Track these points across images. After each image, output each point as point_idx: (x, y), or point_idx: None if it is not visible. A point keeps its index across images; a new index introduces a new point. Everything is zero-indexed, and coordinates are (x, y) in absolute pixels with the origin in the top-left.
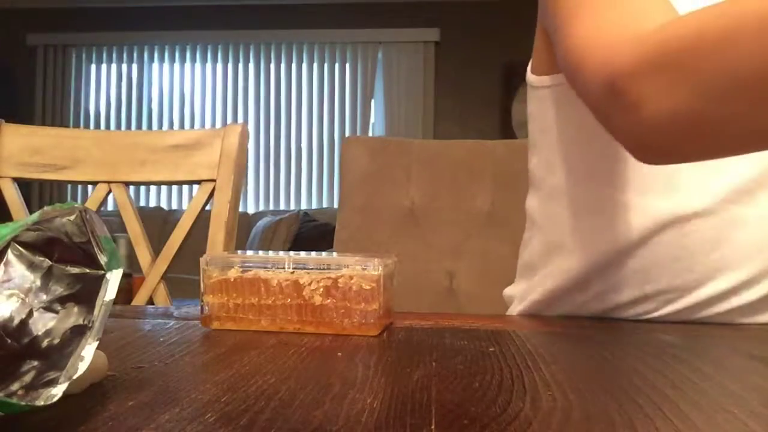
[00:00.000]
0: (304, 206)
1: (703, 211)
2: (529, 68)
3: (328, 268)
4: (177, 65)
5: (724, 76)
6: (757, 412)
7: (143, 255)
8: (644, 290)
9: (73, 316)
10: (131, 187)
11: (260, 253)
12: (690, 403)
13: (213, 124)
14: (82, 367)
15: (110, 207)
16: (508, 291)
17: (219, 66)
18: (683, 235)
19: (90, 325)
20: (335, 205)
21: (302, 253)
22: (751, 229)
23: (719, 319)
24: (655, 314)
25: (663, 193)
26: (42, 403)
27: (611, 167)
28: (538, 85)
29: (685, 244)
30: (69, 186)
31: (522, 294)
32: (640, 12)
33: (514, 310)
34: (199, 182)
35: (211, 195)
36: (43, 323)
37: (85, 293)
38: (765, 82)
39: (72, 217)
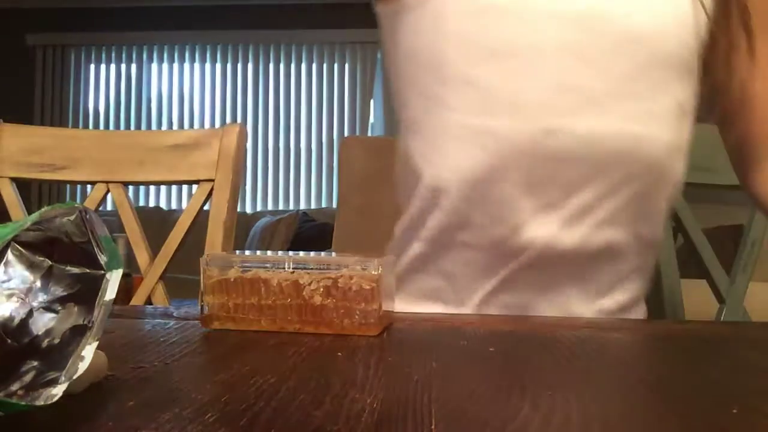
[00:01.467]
0: (303, 206)
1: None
2: None
3: (328, 268)
4: (176, 65)
5: None
6: (760, 411)
7: (142, 255)
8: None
9: (73, 316)
10: (130, 187)
11: (260, 253)
12: (690, 403)
13: (212, 124)
14: (82, 367)
15: (109, 207)
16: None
17: (218, 66)
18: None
19: (90, 325)
20: (334, 205)
21: (302, 253)
22: (608, 142)
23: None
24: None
25: (510, 114)
26: (42, 403)
27: (458, 93)
28: (381, 15)
29: (543, 164)
30: (68, 186)
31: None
32: None
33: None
34: (197, 182)
35: (210, 195)
36: (43, 323)
37: (85, 293)
38: None
39: (72, 217)
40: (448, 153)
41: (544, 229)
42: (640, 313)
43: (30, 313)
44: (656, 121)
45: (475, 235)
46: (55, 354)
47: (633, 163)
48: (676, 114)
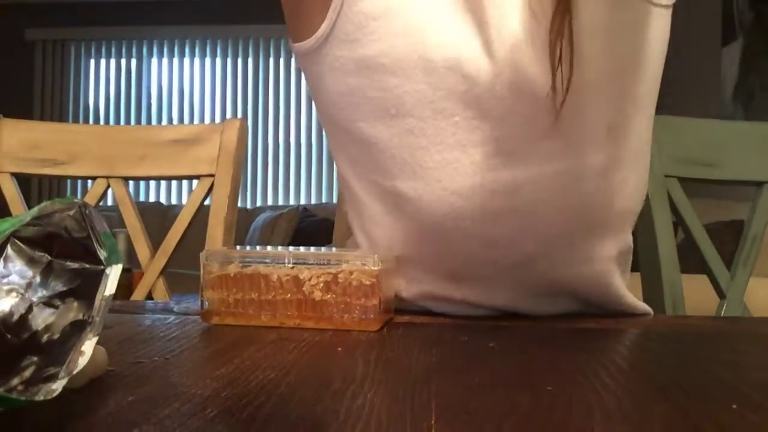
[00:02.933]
0: (303, 201)
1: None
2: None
3: (328, 264)
4: (176, 60)
5: None
6: (760, 406)
7: (142, 250)
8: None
9: (73, 311)
10: (130, 182)
11: (260, 248)
12: (690, 399)
13: (212, 119)
14: (82, 363)
15: (109, 202)
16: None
17: (218, 61)
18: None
19: (90, 320)
20: (335, 200)
21: (302, 249)
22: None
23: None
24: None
25: (413, 177)
26: (42, 398)
27: (364, 153)
28: (299, 54)
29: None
30: (68, 181)
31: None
32: None
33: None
34: (198, 177)
35: (210, 190)
36: (42, 318)
37: (84, 288)
38: None
39: (71, 212)
40: (369, 212)
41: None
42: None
43: (30, 309)
44: (578, 150)
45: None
46: (55, 349)
47: (563, 207)
48: (603, 135)
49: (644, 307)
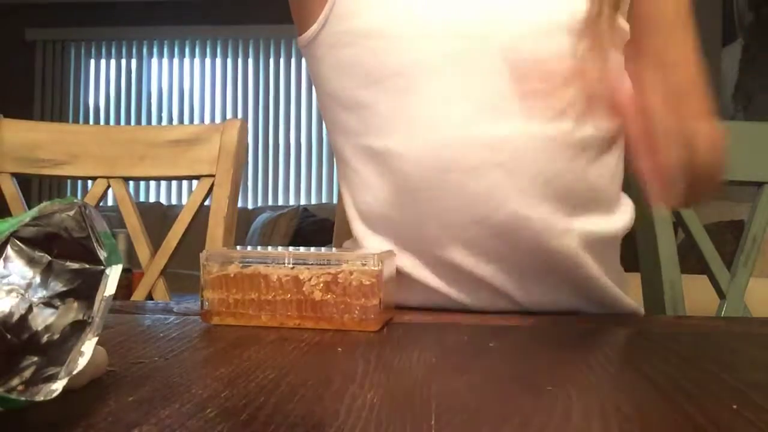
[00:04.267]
0: (303, 201)
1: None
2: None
3: (328, 264)
4: (176, 60)
5: None
6: (760, 406)
7: (142, 250)
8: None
9: (73, 311)
10: (130, 183)
11: (260, 248)
12: (690, 399)
13: (212, 119)
14: (82, 363)
15: (109, 202)
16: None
17: (218, 61)
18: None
19: (90, 320)
20: (335, 201)
21: (302, 249)
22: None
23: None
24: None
25: (404, 132)
26: (42, 398)
27: (356, 117)
28: (302, 46)
29: (450, 178)
30: (68, 181)
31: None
32: None
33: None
34: (198, 177)
35: (210, 190)
36: (42, 319)
37: (84, 289)
38: None
39: (71, 213)
40: (361, 179)
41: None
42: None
43: (30, 309)
44: (560, 116)
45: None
46: (55, 349)
47: (548, 162)
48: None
49: (631, 304)
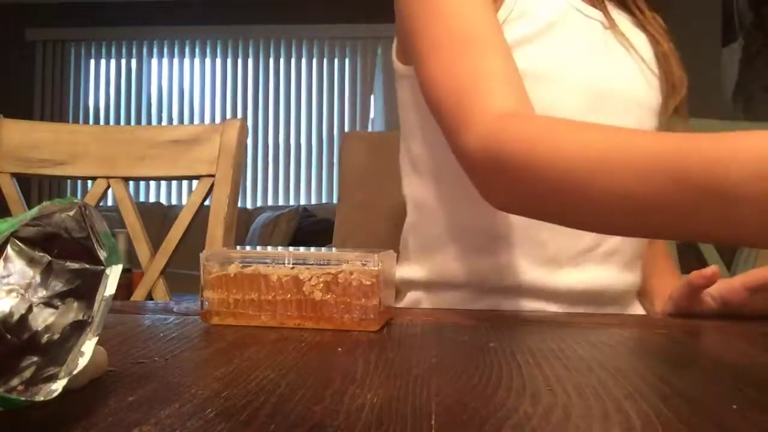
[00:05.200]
0: (303, 202)
1: None
2: (393, 54)
3: (328, 264)
4: (176, 60)
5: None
6: (760, 406)
7: (142, 250)
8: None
9: (73, 311)
10: (130, 183)
11: (260, 248)
12: (690, 399)
13: (212, 119)
14: (82, 363)
15: (109, 202)
16: (404, 274)
17: (218, 61)
18: None
19: (90, 320)
20: (335, 201)
21: (302, 249)
22: None
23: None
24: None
25: None
26: (42, 398)
27: None
28: (407, 74)
29: None
30: (68, 181)
31: (423, 277)
32: (491, 76)
33: (418, 296)
34: (198, 177)
35: (210, 190)
36: (42, 319)
37: (84, 289)
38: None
39: (71, 213)
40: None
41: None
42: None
43: (30, 309)
44: None
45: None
46: (55, 349)
47: None
48: None
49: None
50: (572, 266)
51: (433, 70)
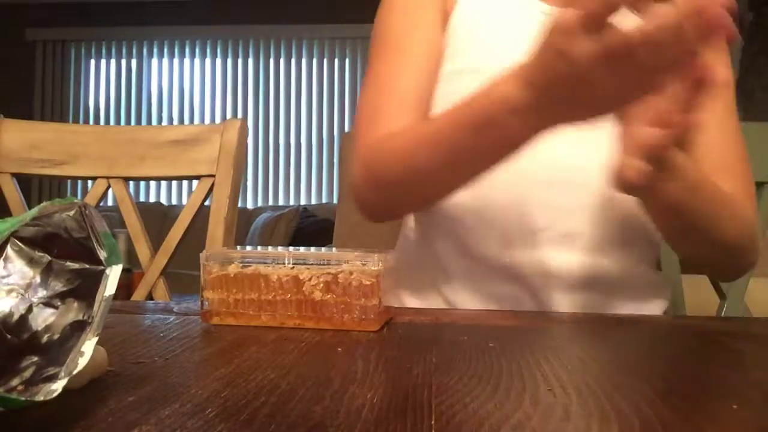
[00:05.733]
0: (303, 201)
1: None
2: None
3: (328, 264)
4: (176, 60)
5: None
6: (760, 406)
7: (142, 250)
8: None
9: (73, 311)
10: (130, 183)
11: (260, 248)
12: (690, 399)
13: (212, 119)
14: (82, 363)
15: (110, 202)
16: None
17: (218, 61)
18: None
19: (90, 320)
20: (335, 201)
21: (302, 249)
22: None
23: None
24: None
25: None
26: (42, 398)
27: None
28: None
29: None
30: (68, 181)
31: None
32: (390, 99)
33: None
34: (198, 177)
35: (211, 190)
36: (42, 319)
37: (84, 289)
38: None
39: (71, 213)
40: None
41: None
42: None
43: (30, 309)
44: None
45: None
46: (55, 349)
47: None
48: None
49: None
50: (524, 247)
51: (364, 89)
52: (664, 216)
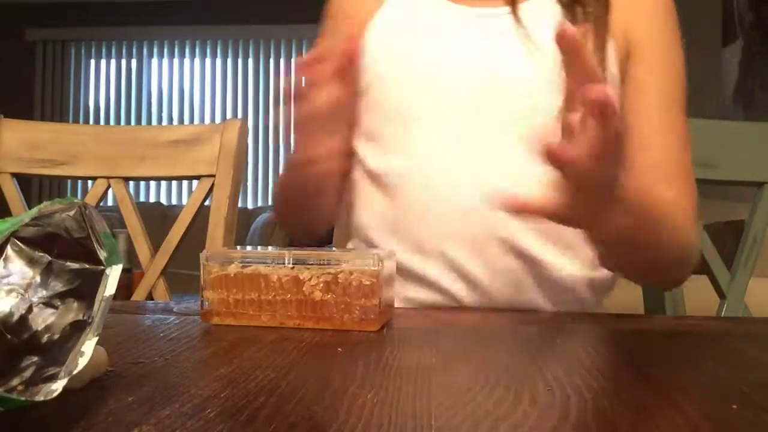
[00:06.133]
0: None
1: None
2: None
3: (328, 264)
4: (176, 60)
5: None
6: (760, 406)
7: (142, 250)
8: None
9: (73, 311)
10: (130, 183)
11: (260, 248)
12: (690, 399)
13: (212, 119)
14: (82, 363)
15: (109, 202)
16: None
17: (218, 61)
18: None
19: (90, 320)
20: None
21: (302, 249)
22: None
23: None
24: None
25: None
26: (42, 398)
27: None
28: None
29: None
30: (68, 181)
31: None
32: None
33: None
34: (198, 177)
35: (211, 190)
36: (42, 319)
37: (84, 289)
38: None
39: (71, 213)
40: (361, 199)
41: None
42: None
43: (30, 309)
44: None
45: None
46: (55, 349)
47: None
48: None
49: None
50: (438, 252)
51: None
52: (603, 245)
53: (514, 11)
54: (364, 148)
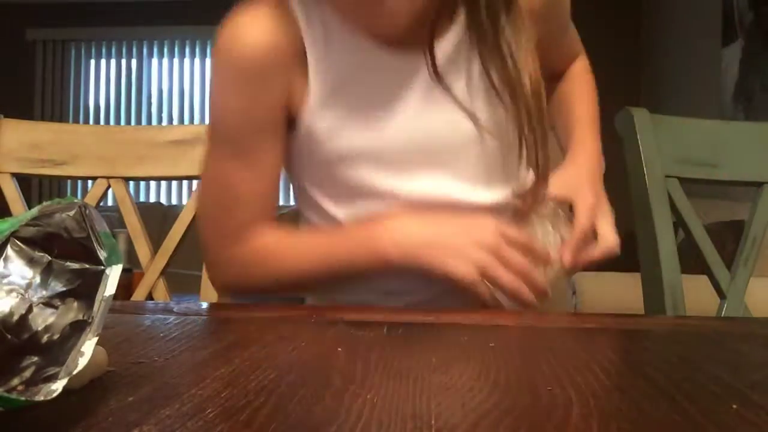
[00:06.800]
0: None
1: None
2: None
3: None
4: (177, 60)
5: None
6: (760, 406)
7: (142, 250)
8: None
9: (73, 311)
10: (130, 183)
11: None
12: (690, 399)
13: None
14: (82, 363)
15: (109, 202)
16: None
17: None
18: None
19: (90, 320)
20: None
21: None
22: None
23: None
24: None
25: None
26: (42, 398)
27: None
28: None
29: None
30: (68, 181)
31: None
32: (243, 211)
33: None
34: (198, 177)
35: None
36: (42, 319)
37: (84, 289)
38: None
39: (71, 213)
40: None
41: None
42: None
43: (29, 309)
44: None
45: None
46: (55, 350)
47: None
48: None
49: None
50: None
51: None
52: None
53: (433, 63)
54: (321, 199)
